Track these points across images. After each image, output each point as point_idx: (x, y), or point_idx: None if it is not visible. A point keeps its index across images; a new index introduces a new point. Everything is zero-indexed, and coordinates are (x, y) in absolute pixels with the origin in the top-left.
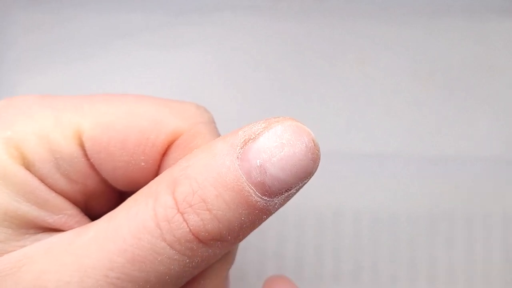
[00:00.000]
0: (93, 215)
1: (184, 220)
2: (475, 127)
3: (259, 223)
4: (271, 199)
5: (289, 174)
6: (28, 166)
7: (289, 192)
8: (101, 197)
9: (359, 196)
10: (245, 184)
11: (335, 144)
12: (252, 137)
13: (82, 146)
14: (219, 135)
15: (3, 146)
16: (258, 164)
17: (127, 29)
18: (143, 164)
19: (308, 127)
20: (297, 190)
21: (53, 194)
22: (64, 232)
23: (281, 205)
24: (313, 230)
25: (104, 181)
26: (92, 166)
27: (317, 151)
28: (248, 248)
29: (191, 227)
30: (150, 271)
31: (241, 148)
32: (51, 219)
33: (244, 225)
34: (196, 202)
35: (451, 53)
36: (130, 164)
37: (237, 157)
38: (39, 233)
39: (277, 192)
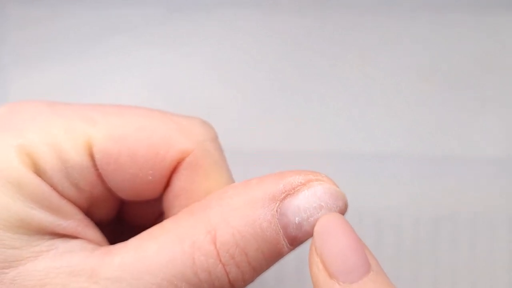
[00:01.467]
0: (93, 218)
1: (226, 272)
2: (480, 126)
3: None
4: (295, 247)
5: None
6: (39, 173)
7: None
8: (103, 203)
9: (360, 197)
10: (282, 238)
11: (336, 144)
12: (291, 192)
13: (92, 157)
14: (222, 151)
15: (16, 153)
16: (296, 222)
17: (124, 26)
18: (150, 178)
19: (308, 127)
20: None
21: (64, 201)
22: (84, 253)
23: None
24: None
25: (109, 190)
26: (100, 176)
27: (346, 211)
28: None
29: (231, 278)
30: None
31: (281, 202)
32: (64, 224)
33: (269, 267)
34: (238, 255)
35: (455, 50)
36: (138, 177)
37: (277, 211)
38: (53, 238)
39: (302, 242)
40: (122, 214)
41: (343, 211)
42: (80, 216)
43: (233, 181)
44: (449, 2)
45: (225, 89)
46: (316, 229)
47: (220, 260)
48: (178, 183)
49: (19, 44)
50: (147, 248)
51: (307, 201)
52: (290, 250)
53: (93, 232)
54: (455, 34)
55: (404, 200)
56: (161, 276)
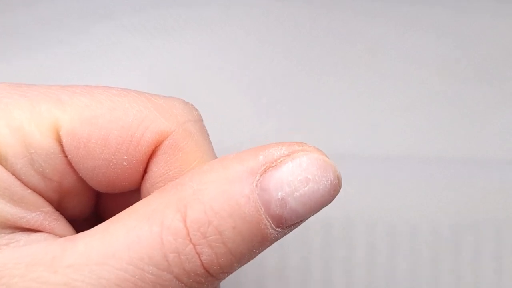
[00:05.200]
0: (66, 214)
1: (197, 253)
2: (506, 126)
3: (263, 250)
4: (283, 230)
5: (308, 209)
6: (0, 161)
7: (300, 223)
8: (76, 196)
9: (373, 204)
10: (263, 216)
11: (344, 144)
12: (273, 165)
13: (59, 141)
14: (207, 135)
15: None
16: (279, 197)
17: (106, 12)
18: (125, 164)
19: (313, 125)
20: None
21: (29, 191)
22: (46, 242)
23: (287, 233)
24: (320, 242)
25: (81, 180)
26: (69, 163)
27: (339, 188)
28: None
29: (204, 261)
30: None
31: (261, 176)
32: (28, 216)
33: (253, 255)
34: (211, 234)
35: (479, 40)
36: (111, 163)
37: (256, 185)
38: (14, 232)
39: (290, 225)
40: (99, 210)
41: (335, 185)
42: (47, 208)
43: None
44: None
45: (219, 81)
46: None
47: (190, 240)
48: (156, 169)
49: None
50: (114, 231)
51: (291, 173)
52: (278, 234)
53: (63, 228)
54: (476, 23)
55: (423, 208)
56: (126, 260)
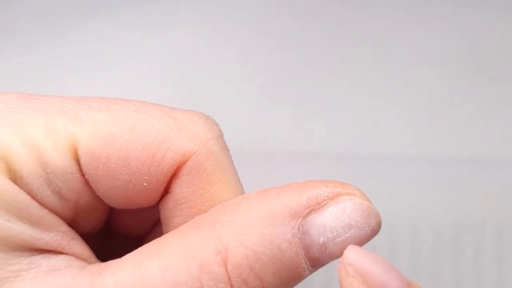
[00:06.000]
0: (78, 229)
1: None
2: (506, 126)
3: None
4: (316, 269)
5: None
6: (15, 180)
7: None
8: (90, 213)
9: (375, 204)
10: (302, 260)
11: (344, 144)
12: (316, 208)
13: (77, 160)
14: (228, 151)
15: None
16: (321, 242)
17: (100, 6)
18: (145, 184)
19: (313, 125)
20: None
21: (46, 211)
22: (69, 272)
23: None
24: None
25: (97, 198)
26: (86, 183)
27: (378, 232)
28: None
29: None
30: None
31: (303, 218)
32: (47, 237)
33: None
34: (252, 280)
35: (479, 41)
36: (131, 183)
37: (298, 228)
38: (33, 255)
39: (325, 264)
40: (110, 223)
41: (375, 231)
42: (64, 227)
43: (241, 186)
44: None
45: (218, 78)
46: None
47: (232, 286)
48: (179, 190)
49: None
50: (147, 268)
51: (334, 219)
52: (311, 272)
53: (80, 246)
54: (476, 24)
55: (425, 208)
56: None
